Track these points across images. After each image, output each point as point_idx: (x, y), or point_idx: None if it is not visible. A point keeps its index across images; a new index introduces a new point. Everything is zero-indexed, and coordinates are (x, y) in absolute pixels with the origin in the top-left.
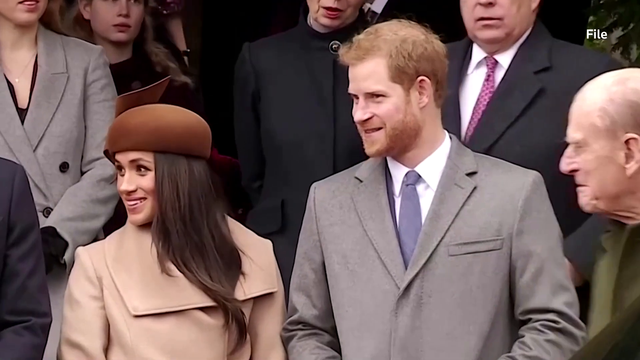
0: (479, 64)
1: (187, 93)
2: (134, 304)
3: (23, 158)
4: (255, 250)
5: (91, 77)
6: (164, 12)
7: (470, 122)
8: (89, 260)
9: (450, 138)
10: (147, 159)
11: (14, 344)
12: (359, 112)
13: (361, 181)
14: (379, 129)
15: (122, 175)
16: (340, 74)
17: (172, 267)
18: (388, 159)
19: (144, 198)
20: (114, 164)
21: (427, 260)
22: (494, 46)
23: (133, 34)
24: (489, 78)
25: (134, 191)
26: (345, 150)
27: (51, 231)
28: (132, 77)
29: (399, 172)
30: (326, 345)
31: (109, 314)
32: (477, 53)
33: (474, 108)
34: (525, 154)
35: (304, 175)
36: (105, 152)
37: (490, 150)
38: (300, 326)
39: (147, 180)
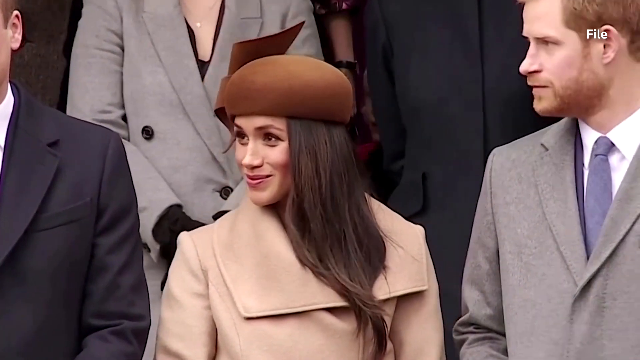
0: None
1: None
2: (246, 303)
3: (201, 124)
4: (403, 239)
5: (290, 24)
6: (323, 11)
7: None
8: (193, 249)
9: None
10: (278, 126)
11: (97, 352)
12: (527, 61)
13: (547, 149)
14: (543, 87)
15: (244, 145)
16: (488, 9)
17: (304, 261)
18: (579, 120)
19: (271, 175)
20: (227, 126)
21: (612, 252)
22: None
23: None
24: None
25: (260, 166)
26: (497, 104)
27: None
28: None
29: (589, 138)
30: (502, 353)
31: (215, 315)
32: None
33: None
34: None
35: (447, 140)
36: (217, 112)
37: None
38: (472, 328)
39: (277, 153)
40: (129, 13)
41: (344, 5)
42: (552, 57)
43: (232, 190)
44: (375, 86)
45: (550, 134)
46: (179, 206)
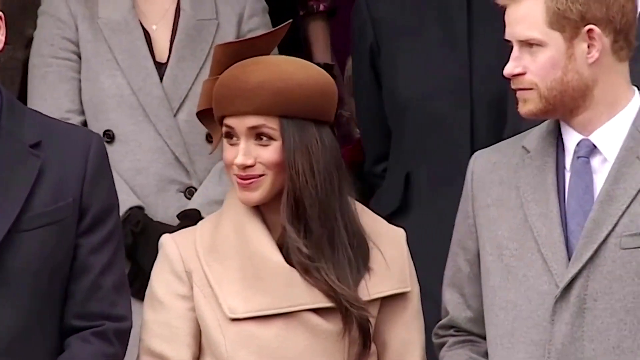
0: None
1: None
2: (231, 304)
3: (161, 124)
4: (386, 241)
5: (247, 26)
6: (300, 12)
7: None
8: (176, 251)
9: None
10: (271, 125)
11: (78, 353)
12: (510, 64)
13: (528, 151)
14: (528, 89)
15: (233, 145)
16: (477, 10)
17: (292, 261)
18: (561, 123)
19: (263, 175)
20: (208, 128)
21: (594, 254)
22: None
23: None
24: None
25: (252, 166)
26: (485, 103)
27: (194, 215)
28: None
29: (570, 140)
30: (482, 356)
31: (199, 316)
32: None
33: None
34: None
35: (435, 138)
36: (200, 114)
37: None
38: (452, 331)
39: (270, 153)
40: (84, 20)
41: (322, 7)
42: (536, 59)
43: (196, 190)
44: (361, 87)
45: (532, 137)
46: (139, 208)
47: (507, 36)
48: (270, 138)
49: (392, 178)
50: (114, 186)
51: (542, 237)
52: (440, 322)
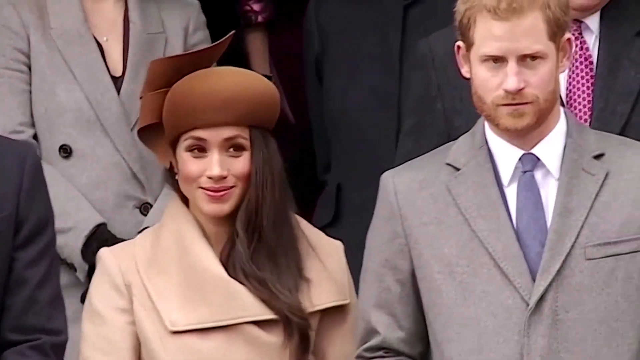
0: None
1: None
2: (172, 317)
3: (119, 140)
4: (325, 253)
5: (192, 39)
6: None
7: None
8: (115, 263)
9: (565, 113)
10: (244, 136)
11: None
12: (514, 79)
13: (458, 169)
14: (528, 103)
15: (198, 158)
16: (411, 26)
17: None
18: (493, 138)
19: (234, 186)
20: (147, 144)
21: (561, 266)
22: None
23: None
24: (581, 47)
25: (225, 177)
26: None
27: None
28: None
29: (508, 156)
30: None
31: (139, 330)
32: None
33: (569, 87)
34: None
35: (362, 151)
36: (142, 131)
37: None
38: (381, 352)
39: (241, 164)
40: (37, 30)
41: (260, 18)
42: (538, 72)
43: (151, 206)
44: (310, 95)
45: (457, 154)
46: (104, 225)
47: (500, 52)
48: (242, 149)
49: (328, 188)
50: (49, 200)
51: (499, 252)
52: (368, 344)
